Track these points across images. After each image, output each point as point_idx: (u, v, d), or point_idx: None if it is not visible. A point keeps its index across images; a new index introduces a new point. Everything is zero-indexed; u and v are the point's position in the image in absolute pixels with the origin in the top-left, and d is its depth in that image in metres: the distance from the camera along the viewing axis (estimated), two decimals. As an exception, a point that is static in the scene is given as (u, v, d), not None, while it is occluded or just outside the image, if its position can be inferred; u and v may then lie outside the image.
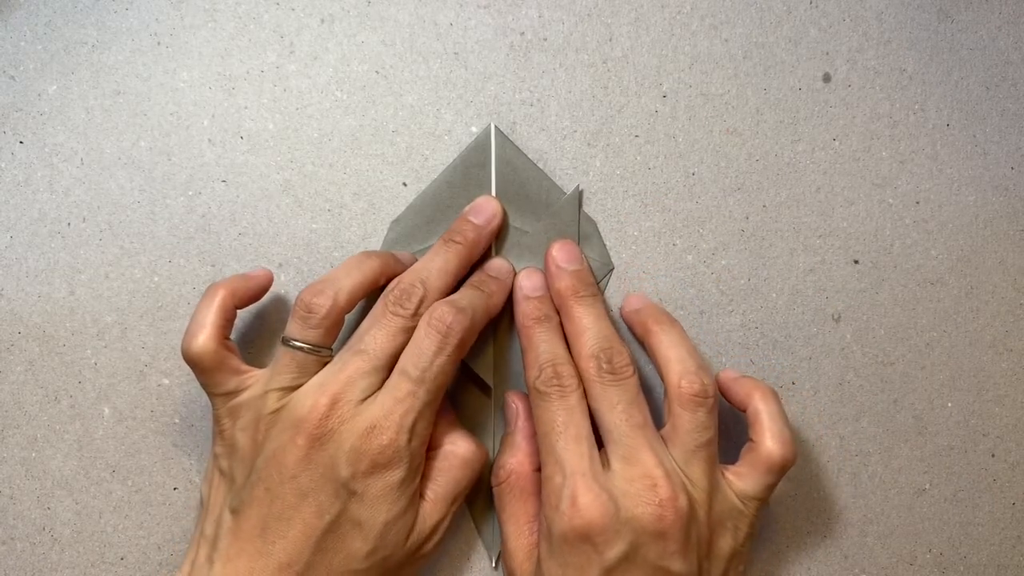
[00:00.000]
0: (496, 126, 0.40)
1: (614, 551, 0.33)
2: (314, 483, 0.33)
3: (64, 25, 0.40)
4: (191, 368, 0.35)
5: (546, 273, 0.39)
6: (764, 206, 0.42)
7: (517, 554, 0.37)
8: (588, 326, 0.37)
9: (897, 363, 0.43)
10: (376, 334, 0.35)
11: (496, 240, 0.40)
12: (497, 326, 0.40)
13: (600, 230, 0.41)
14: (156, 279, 0.40)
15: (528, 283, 0.39)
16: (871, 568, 0.42)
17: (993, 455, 0.43)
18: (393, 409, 0.33)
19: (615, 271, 0.41)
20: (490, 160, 0.40)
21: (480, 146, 0.40)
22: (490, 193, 0.40)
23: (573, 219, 0.40)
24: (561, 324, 0.38)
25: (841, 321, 0.42)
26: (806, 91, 0.42)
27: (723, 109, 0.42)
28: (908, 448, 0.43)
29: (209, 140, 0.40)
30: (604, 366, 0.35)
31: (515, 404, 0.39)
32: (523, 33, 0.41)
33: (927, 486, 0.43)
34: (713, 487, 0.35)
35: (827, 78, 0.43)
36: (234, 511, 0.34)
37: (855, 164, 0.43)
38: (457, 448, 0.37)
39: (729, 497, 0.35)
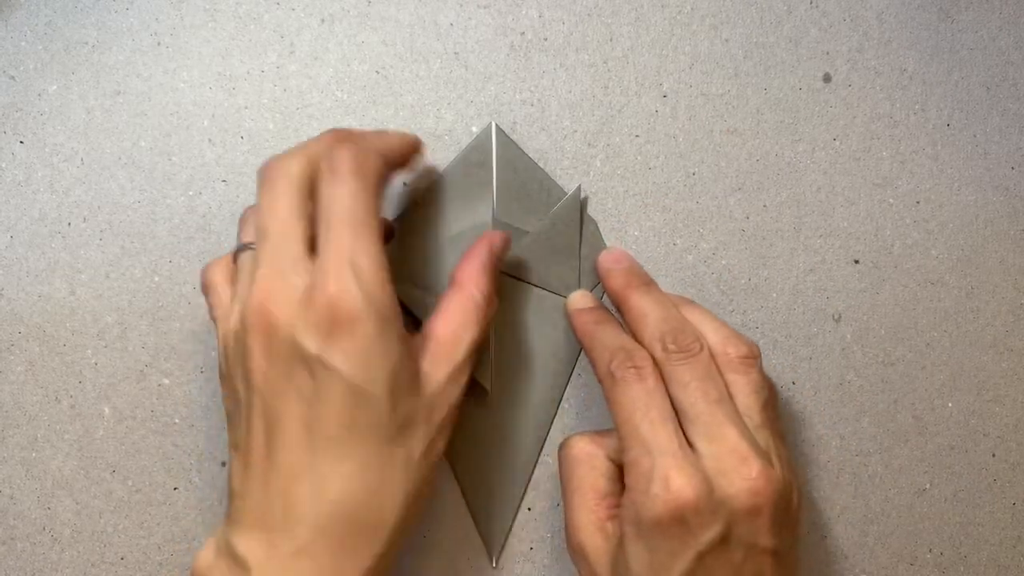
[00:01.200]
0: (497, 125, 0.40)
1: (709, 533, 0.31)
2: (285, 374, 0.30)
3: (64, 25, 0.40)
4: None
5: (602, 279, 0.39)
6: (764, 206, 0.42)
7: (586, 527, 0.35)
8: (648, 311, 0.36)
9: (897, 363, 0.43)
10: (274, 206, 0.32)
11: None
12: (497, 330, 0.39)
13: (600, 230, 0.41)
14: (156, 279, 0.40)
15: (578, 298, 0.39)
16: (871, 568, 0.42)
17: (993, 455, 0.43)
18: (325, 262, 0.30)
19: None
20: (491, 159, 0.39)
21: (481, 145, 0.40)
22: (490, 190, 0.39)
23: (575, 219, 0.40)
24: (620, 324, 0.37)
25: (841, 321, 0.42)
26: (806, 91, 0.42)
27: (723, 109, 0.42)
28: (908, 448, 0.43)
29: (209, 140, 0.40)
30: (670, 346, 0.34)
31: (591, 301, 0.39)
32: (523, 33, 0.41)
33: (927, 486, 0.43)
34: (785, 449, 0.34)
35: (827, 78, 0.43)
36: (234, 447, 0.32)
37: (855, 164, 0.43)
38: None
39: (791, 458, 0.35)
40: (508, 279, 0.40)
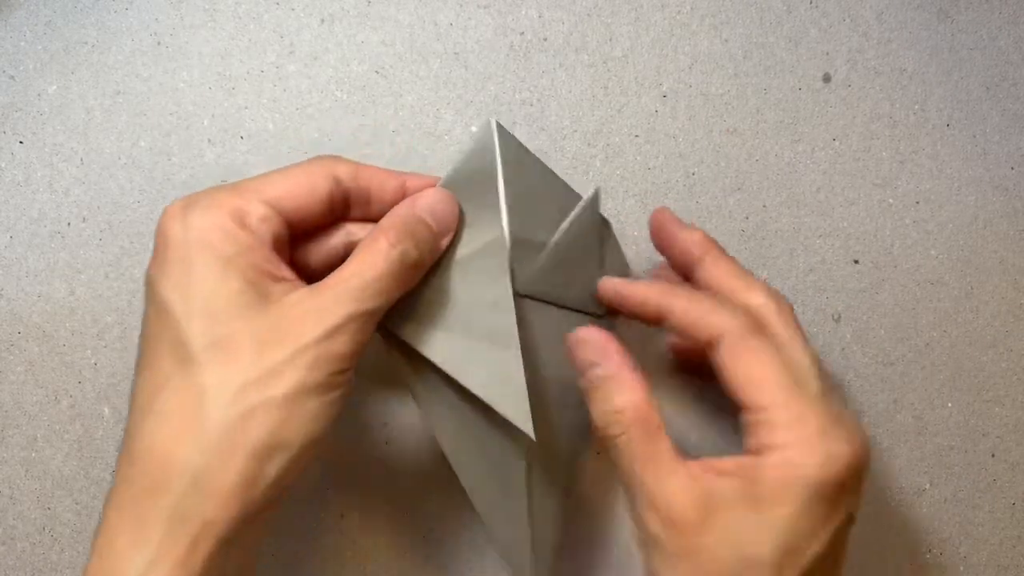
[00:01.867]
0: (498, 122, 0.33)
1: (854, 500, 0.30)
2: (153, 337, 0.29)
3: (64, 25, 0.40)
4: None
5: (664, 242, 0.36)
6: (764, 206, 0.42)
7: (673, 502, 0.29)
8: (738, 273, 0.34)
9: (897, 363, 0.43)
10: None
11: (511, 254, 0.33)
12: (536, 368, 0.33)
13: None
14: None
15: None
16: (871, 568, 0.42)
17: (993, 455, 0.43)
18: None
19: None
20: (495, 164, 0.33)
21: (481, 148, 0.33)
22: (497, 199, 0.33)
23: (594, 226, 0.36)
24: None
25: (841, 321, 0.42)
26: (806, 91, 0.42)
27: (723, 109, 0.42)
28: (908, 448, 0.43)
29: (209, 140, 0.40)
30: (779, 305, 0.33)
31: (595, 336, 0.33)
32: (523, 33, 0.41)
33: (927, 486, 0.43)
34: None
35: (827, 78, 0.43)
36: None
37: (855, 164, 0.43)
38: None
39: None
40: (527, 302, 0.34)
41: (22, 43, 0.39)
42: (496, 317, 0.32)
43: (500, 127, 0.33)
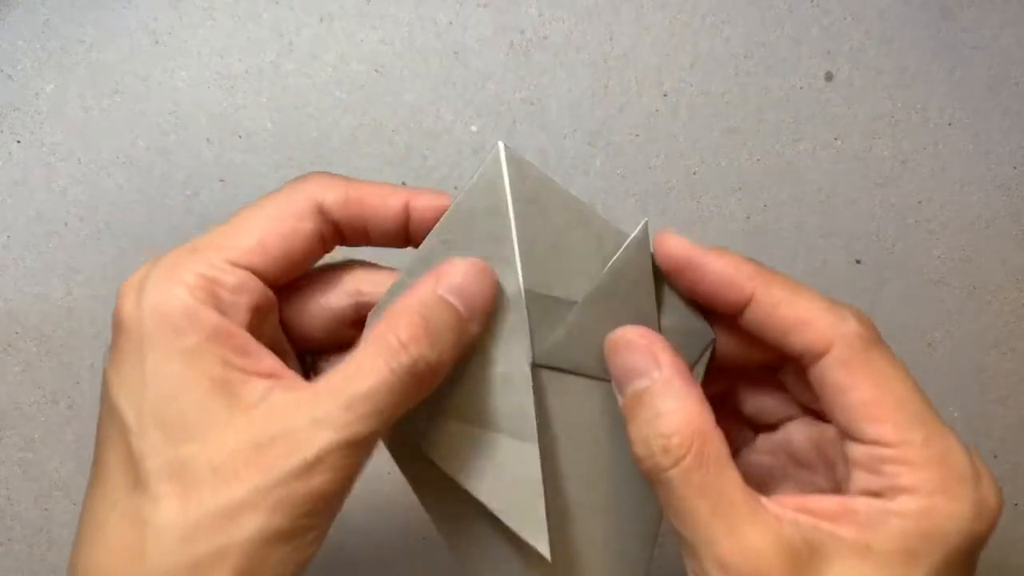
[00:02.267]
0: (507, 146, 0.25)
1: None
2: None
3: (62, 24, 0.39)
4: None
5: (692, 277, 0.26)
6: (765, 206, 0.42)
7: (754, 559, 0.22)
8: (818, 296, 0.26)
9: (899, 363, 0.43)
10: None
11: (530, 317, 0.26)
12: (547, 457, 0.26)
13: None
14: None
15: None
16: (873, 570, 0.42)
17: (995, 456, 0.43)
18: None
19: None
20: (505, 202, 0.25)
21: (488, 183, 0.25)
22: (511, 249, 0.26)
23: (645, 274, 0.27)
24: None
25: (843, 321, 0.42)
26: (808, 90, 0.42)
27: (724, 108, 0.42)
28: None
29: (207, 139, 0.40)
30: (870, 331, 0.25)
31: (641, 338, 0.26)
32: (523, 32, 0.41)
33: (929, 487, 0.43)
34: None
35: (829, 77, 0.42)
36: None
37: (857, 163, 0.42)
38: None
39: None
40: (551, 376, 0.26)
41: (20, 42, 0.39)
42: (508, 398, 0.25)
43: (510, 154, 0.25)
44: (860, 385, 0.24)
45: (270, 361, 0.24)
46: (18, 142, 0.39)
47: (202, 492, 0.22)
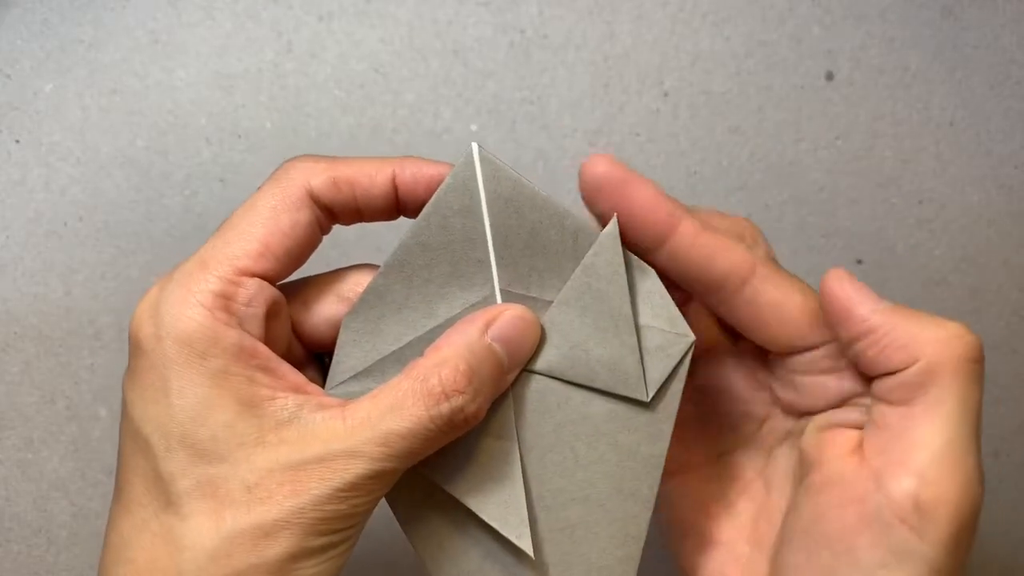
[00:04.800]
0: (480, 147, 0.26)
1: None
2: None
3: (60, 23, 0.39)
4: None
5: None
6: (766, 205, 0.42)
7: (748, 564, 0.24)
8: (800, 287, 0.26)
9: (900, 364, 0.42)
10: None
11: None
12: (527, 464, 0.27)
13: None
14: (153, 279, 0.39)
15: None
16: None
17: (997, 455, 0.43)
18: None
19: None
20: (479, 202, 0.26)
21: (461, 183, 0.26)
22: (485, 250, 0.26)
23: (617, 272, 0.26)
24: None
25: (844, 321, 0.42)
26: (809, 89, 0.42)
27: (725, 107, 0.42)
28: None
29: (206, 139, 0.40)
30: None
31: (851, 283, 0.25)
32: (523, 30, 0.41)
33: (930, 487, 0.43)
34: None
35: (830, 76, 0.42)
36: None
37: (858, 163, 0.42)
38: None
39: None
40: (530, 380, 0.27)
41: (18, 41, 0.39)
42: None
43: (484, 154, 0.26)
44: (789, 295, 0.25)
45: (294, 376, 0.25)
46: (17, 142, 0.39)
47: (236, 511, 0.22)
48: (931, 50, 0.43)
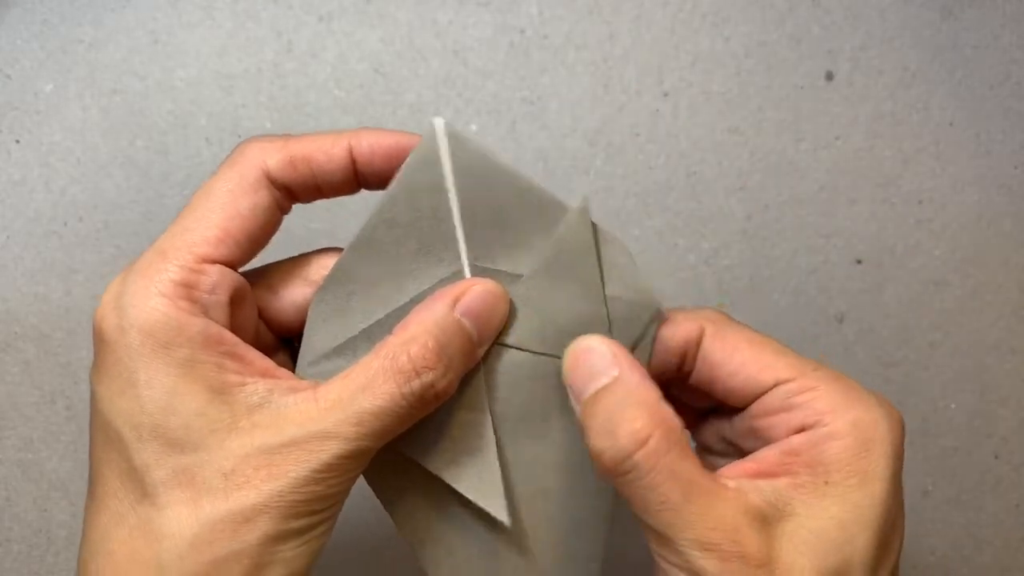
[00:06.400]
0: (445, 122, 0.25)
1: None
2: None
3: (60, 23, 0.39)
4: None
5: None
6: (766, 205, 0.42)
7: (732, 530, 0.22)
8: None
9: (900, 364, 0.42)
10: None
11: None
12: (502, 433, 0.27)
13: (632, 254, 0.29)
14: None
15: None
16: (874, 570, 0.42)
17: (997, 456, 0.43)
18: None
19: None
20: (444, 177, 0.25)
21: (426, 158, 0.25)
22: (452, 225, 0.26)
23: (587, 245, 0.26)
24: None
25: (844, 321, 0.42)
26: (808, 89, 0.42)
27: (725, 108, 0.42)
28: (911, 449, 0.42)
29: (206, 139, 0.40)
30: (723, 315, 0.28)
31: (603, 345, 0.25)
32: (523, 31, 0.41)
33: (930, 487, 0.42)
34: None
35: (830, 76, 0.42)
36: None
37: (858, 163, 0.42)
38: None
39: None
40: (500, 352, 0.27)
41: (18, 41, 0.39)
42: None
43: (451, 129, 0.25)
44: (739, 348, 0.26)
45: (262, 362, 0.24)
46: (17, 142, 0.39)
47: (214, 498, 0.22)
48: (931, 50, 0.43)
